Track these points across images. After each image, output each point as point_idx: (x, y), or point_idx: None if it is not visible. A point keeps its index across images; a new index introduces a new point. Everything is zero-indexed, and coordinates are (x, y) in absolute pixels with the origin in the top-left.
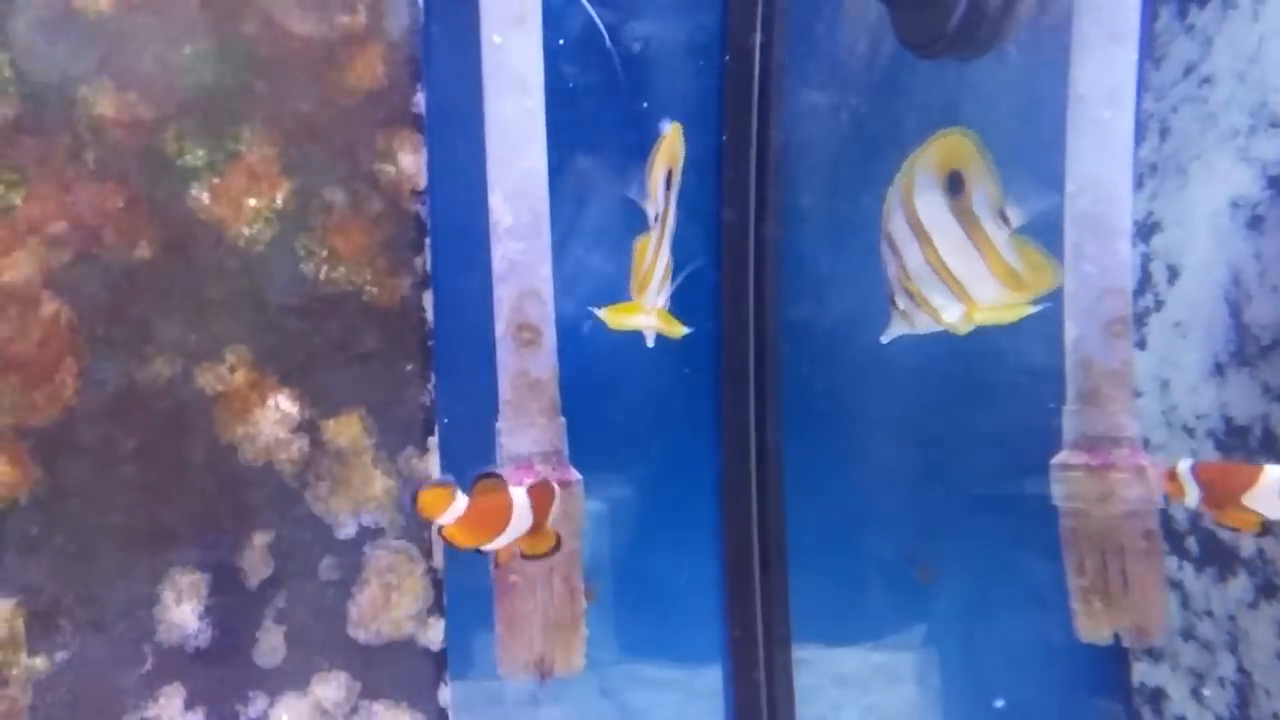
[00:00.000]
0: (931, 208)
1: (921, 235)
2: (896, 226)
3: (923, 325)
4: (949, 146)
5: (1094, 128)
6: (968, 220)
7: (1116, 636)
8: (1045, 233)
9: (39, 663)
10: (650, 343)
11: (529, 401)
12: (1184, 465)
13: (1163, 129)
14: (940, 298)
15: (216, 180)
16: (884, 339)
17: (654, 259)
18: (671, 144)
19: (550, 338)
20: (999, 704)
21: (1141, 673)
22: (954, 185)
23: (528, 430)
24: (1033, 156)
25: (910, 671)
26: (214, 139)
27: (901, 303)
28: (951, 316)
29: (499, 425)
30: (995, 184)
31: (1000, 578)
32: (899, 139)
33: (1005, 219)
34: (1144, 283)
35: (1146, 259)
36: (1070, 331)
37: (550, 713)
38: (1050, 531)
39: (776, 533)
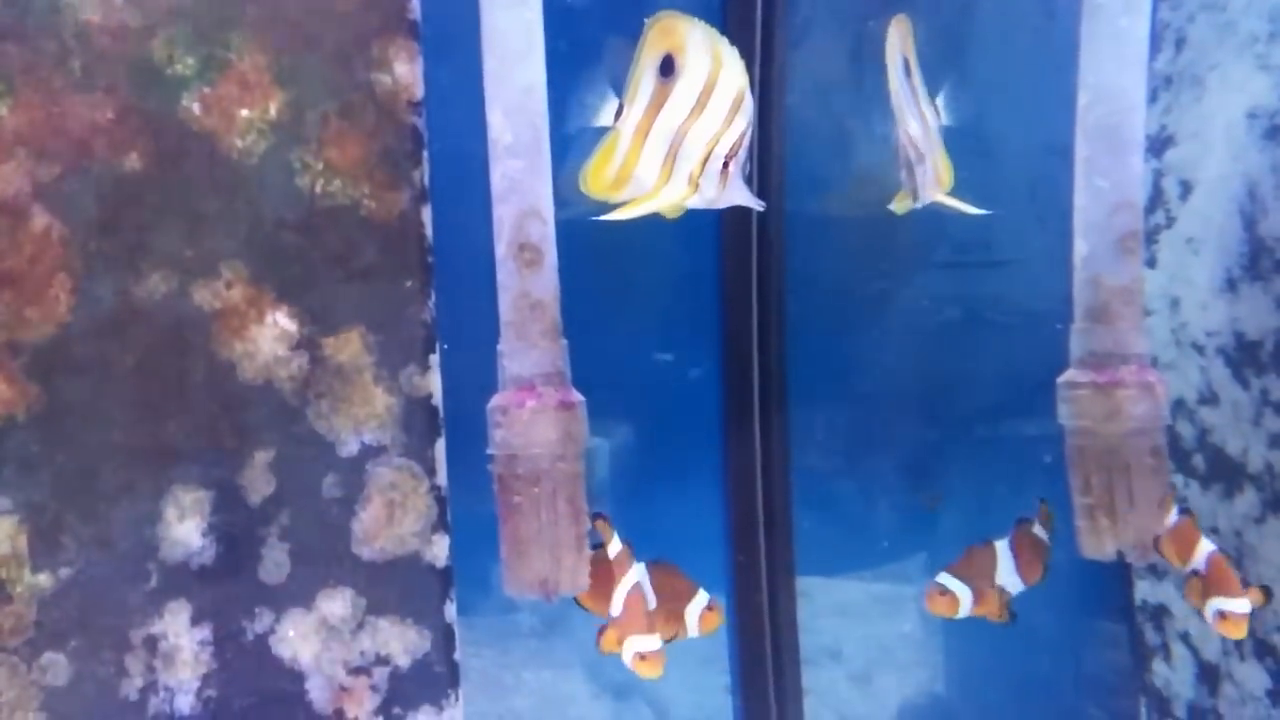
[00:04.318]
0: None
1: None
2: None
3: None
4: None
5: (1110, 37)
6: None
7: (1119, 554)
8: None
9: (43, 579)
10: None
11: (530, 323)
12: None
13: (1179, 39)
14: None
15: (207, 90)
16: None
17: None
18: (662, 32)
19: (552, 258)
20: None
21: (1144, 590)
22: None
23: (529, 352)
24: (1048, 68)
25: (911, 601)
26: (205, 46)
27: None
28: None
29: (500, 347)
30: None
31: (1003, 503)
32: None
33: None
34: (1155, 199)
35: (1159, 175)
36: (1080, 249)
37: (555, 644)
38: (1055, 456)
39: (780, 462)
